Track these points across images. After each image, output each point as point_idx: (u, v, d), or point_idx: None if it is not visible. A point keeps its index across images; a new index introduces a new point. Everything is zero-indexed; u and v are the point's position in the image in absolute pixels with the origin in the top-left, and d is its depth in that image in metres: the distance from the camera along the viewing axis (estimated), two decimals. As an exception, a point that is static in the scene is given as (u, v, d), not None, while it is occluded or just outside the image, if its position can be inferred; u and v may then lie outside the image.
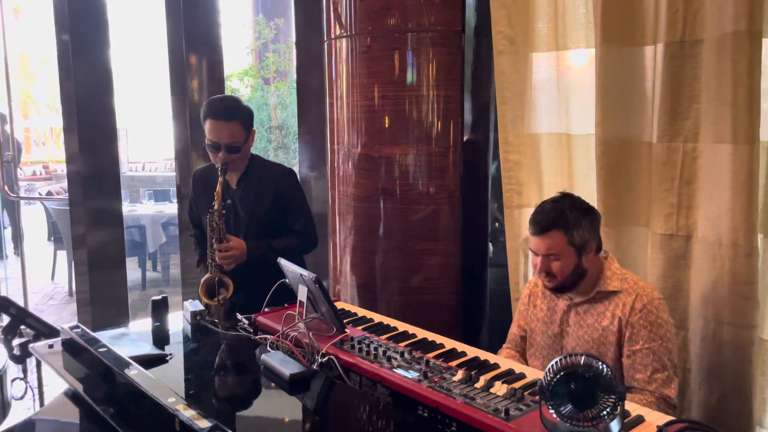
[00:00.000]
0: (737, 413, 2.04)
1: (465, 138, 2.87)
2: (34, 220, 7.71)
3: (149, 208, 6.00)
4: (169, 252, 5.78)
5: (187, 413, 1.18)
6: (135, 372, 1.34)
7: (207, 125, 2.35)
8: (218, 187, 2.31)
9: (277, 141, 7.69)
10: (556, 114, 2.56)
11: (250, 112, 2.44)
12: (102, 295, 3.88)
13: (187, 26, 3.67)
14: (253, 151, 2.53)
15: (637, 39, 2.22)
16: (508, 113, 2.59)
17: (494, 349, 2.11)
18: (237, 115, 2.35)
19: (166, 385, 1.27)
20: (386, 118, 2.77)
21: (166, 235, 5.58)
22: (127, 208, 5.90)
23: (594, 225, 1.84)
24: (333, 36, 2.90)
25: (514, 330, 2.10)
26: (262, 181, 2.45)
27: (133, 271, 5.82)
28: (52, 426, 1.42)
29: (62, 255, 5.84)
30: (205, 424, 1.15)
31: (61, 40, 3.69)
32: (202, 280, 2.38)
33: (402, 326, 1.89)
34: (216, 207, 2.30)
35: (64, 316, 5.01)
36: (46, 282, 6.02)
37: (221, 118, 2.32)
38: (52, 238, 6.23)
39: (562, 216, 1.78)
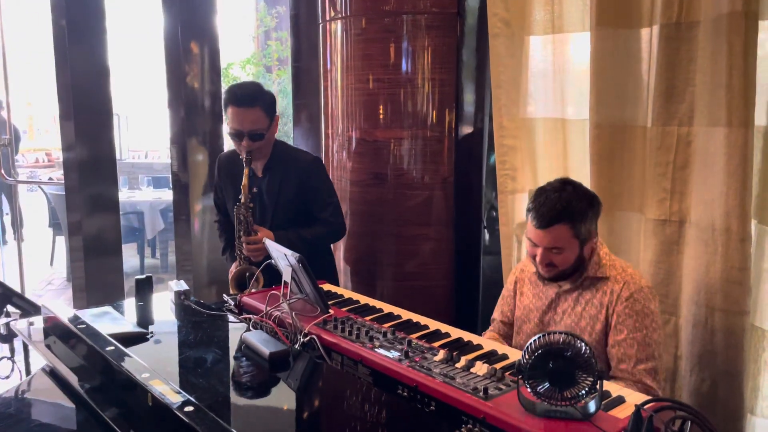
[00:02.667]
0: (728, 400, 2.02)
1: (461, 123, 2.86)
2: (36, 206, 7.74)
3: (148, 194, 6.01)
4: (167, 239, 5.79)
5: (159, 388, 1.18)
6: (111, 348, 1.34)
7: (229, 113, 2.32)
8: (244, 179, 2.29)
9: (280, 129, 7.68)
10: (551, 98, 2.53)
11: (272, 97, 2.41)
12: (98, 281, 3.89)
13: (183, 14, 3.65)
14: (278, 140, 2.51)
15: (632, 21, 2.19)
16: (503, 97, 2.56)
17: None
18: (258, 100, 2.32)
19: (141, 361, 1.27)
20: (381, 101, 2.76)
21: (164, 222, 5.58)
22: (125, 195, 5.91)
23: (597, 214, 1.78)
24: (328, 18, 2.88)
25: (495, 315, 2.07)
26: (288, 169, 2.42)
27: (131, 258, 5.84)
28: (28, 402, 1.42)
29: (61, 241, 5.86)
30: (177, 398, 1.15)
31: (58, 25, 3.68)
32: (234, 272, 2.36)
33: (387, 308, 1.89)
34: (243, 200, 2.28)
35: (62, 302, 5.04)
36: (46, 268, 6.05)
37: (243, 105, 2.28)
38: (52, 224, 6.25)
39: (569, 208, 1.70)
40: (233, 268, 2.40)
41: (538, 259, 1.77)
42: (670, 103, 2.09)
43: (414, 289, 2.82)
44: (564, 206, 1.70)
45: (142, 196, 5.98)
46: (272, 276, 1.93)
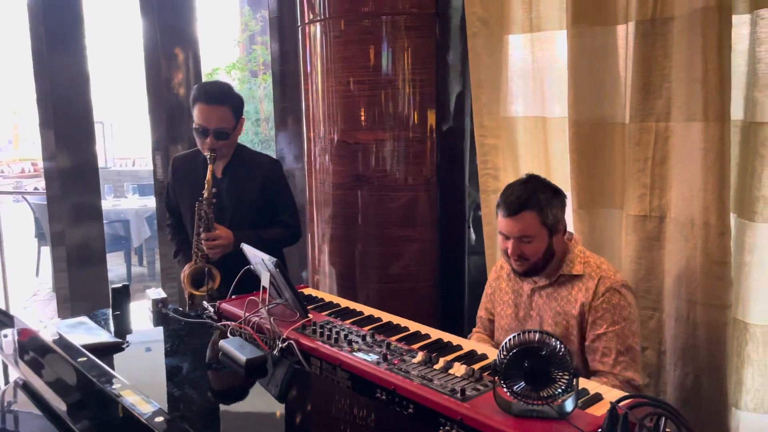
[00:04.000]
0: (712, 394, 2.03)
1: (443, 124, 2.86)
2: (22, 216, 7.68)
3: (133, 202, 5.98)
4: (154, 246, 5.75)
5: (131, 398, 1.16)
6: (83, 359, 1.32)
7: (196, 109, 2.32)
8: (208, 175, 2.29)
9: (264, 133, 7.66)
10: (531, 97, 2.54)
11: (240, 99, 2.43)
12: (82, 291, 3.86)
13: (163, 19, 3.63)
14: (240, 143, 2.51)
15: (608, 18, 2.20)
16: (483, 97, 2.57)
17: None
18: (227, 100, 2.33)
19: (113, 372, 1.26)
20: (361, 103, 2.75)
21: (151, 230, 5.55)
22: (111, 203, 5.88)
23: (563, 205, 1.83)
24: (306, 21, 2.87)
25: (481, 314, 2.09)
26: (249, 170, 2.43)
27: (118, 266, 5.81)
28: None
29: (46, 251, 5.81)
30: (148, 409, 1.13)
31: (36, 33, 3.66)
32: (188, 270, 2.35)
33: (368, 311, 1.88)
34: (206, 195, 2.28)
35: (47, 313, 4.99)
36: (32, 279, 6.00)
37: (211, 102, 2.30)
38: (37, 235, 6.20)
39: (534, 196, 1.76)
40: (187, 268, 2.37)
41: (509, 251, 1.80)
42: (648, 99, 2.10)
43: (399, 291, 2.81)
44: (530, 194, 1.76)
45: (128, 204, 5.95)
46: (251, 281, 1.92)
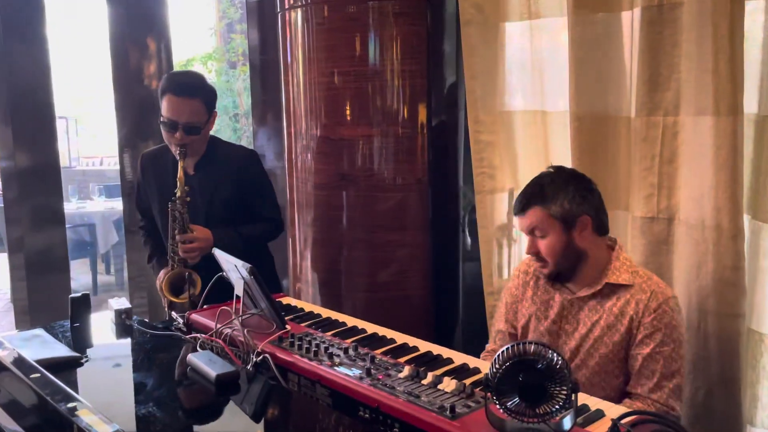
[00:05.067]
0: (726, 410, 2.03)
1: (435, 119, 2.86)
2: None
3: (100, 204, 5.94)
4: (122, 253, 5.71)
5: (87, 418, 1.15)
6: (37, 375, 1.31)
7: (165, 101, 2.30)
8: (180, 172, 2.27)
9: (243, 129, 7.65)
10: (530, 89, 2.54)
11: (213, 91, 2.42)
12: (43, 302, 3.82)
13: (131, 6, 3.61)
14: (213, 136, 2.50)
15: (612, 4, 2.21)
16: (478, 89, 2.57)
17: (469, 349, 2.07)
18: (199, 92, 2.32)
19: (68, 389, 1.24)
20: (346, 96, 2.75)
21: (119, 235, 5.52)
22: (75, 205, 5.84)
23: (582, 194, 1.76)
24: (287, 6, 2.86)
25: (500, 326, 2.00)
26: (223, 165, 2.42)
27: (83, 275, 5.77)
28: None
29: (3, 258, 5.76)
30: (107, 429, 1.12)
31: (-8, 21, 3.62)
32: (165, 276, 2.34)
33: (351, 321, 1.87)
34: (179, 194, 2.26)
35: (3, 325, 4.95)
36: (-11, 288, 5.94)
37: (182, 94, 2.28)
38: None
39: (539, 190, 1.76)
40: (163, 274, 2.36)
41: (526, 249, 1.80)
42: (655, 92, 2.10)
43: (388, 300, 2.80)
44: (534, 189, 1.77)
45: (94, 206, 5.91)
46: (228, 289, 1.91)
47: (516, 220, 1.82)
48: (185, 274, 2.31)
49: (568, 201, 1.75)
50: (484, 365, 1.57)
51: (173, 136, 2.29)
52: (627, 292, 1.77)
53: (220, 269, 1.92)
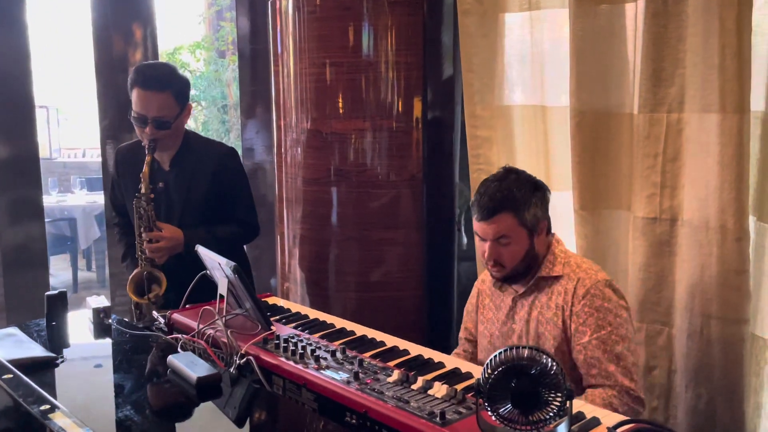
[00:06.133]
0: (728, 419, 2.04)
1: (431, 113, 2.85)
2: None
3: (81, 198, 5.91)
4: (104, 249, 5.70)
5: (61, 422, 1.14)
6: (9, 376, 1.30)
7: (134, 95, 2.30)
8: (145, 167, 2.27)
9: (232, 121, 7.62)
10: (530, 83, 2.54)
11: (185, 82, 2.41)
12: (20, 298, 3.80)
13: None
14: (206, 133, 2.50)
15: (616, -5, 2.21)
16: (475, 83, 2.57)
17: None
18: (169, 84, 2.31)
19: (42, 392, 1.24)
20: (338, 88, 2.73)
21: (100, 230, 5.50)
22: (55, 199, 5.81)
23: (545, 201, 1.83)
24: (277, -7, 2.85)
25: (462, 334, 2.09)
26: (199, 161, 2.42)
27: (63, 271, 5.76)
28: None
29: (-19, 254, 5.74)
30: (80, 433, 1.11)
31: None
32: (130, 275, 2.34)
33: (340, 323, 1.87)
34: (143, 190, 2.26)
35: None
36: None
37: (150, 88, 2.28)
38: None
39: (510, 195, 1.76)
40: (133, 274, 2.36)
41: (486, 254, 1.80)
42: (659, 88, 2.11)
43: (379, 300, 2.79)
44: (504, 194, 1.76)
45: (75, 200, 5.88)
46: (211, 288, 1.90)
47: (476, 225, 1.80)
48: (144, 275, 2.30)
49: (538, 208, 1.79)
50: (476, 370, 1.57)
51: (143, 131, 2.29)
52: (557, 283, 1.81)
53: (196, 271, 1.91)
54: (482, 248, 1.81)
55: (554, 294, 1.81)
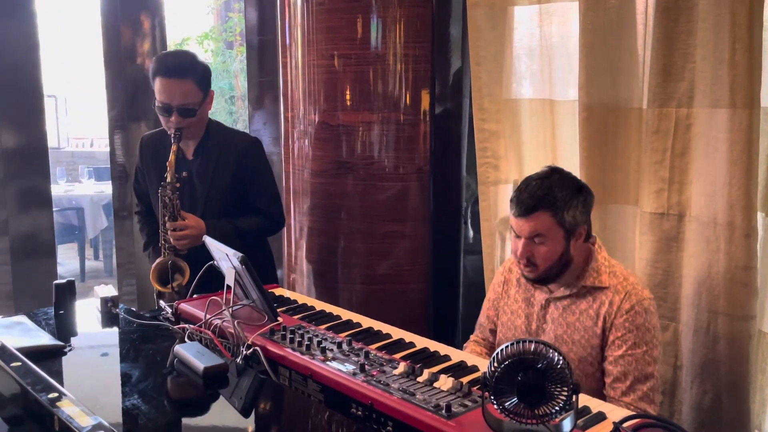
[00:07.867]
0: (733, 415, 2.04)
1: (439, 106, 2.84)
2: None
3: (89, 187, 5.93)
4: (111, 238, 5.73)
5: (69, 410, 1.15)
6: (17, 364, 1.31)
7: (156, 84, 2.30)
8: (171, 156, 2.27)
9: (239, 112, 7.63)
10: (538, 77, 2.53)
11: (206, 68, 2.40)
12: (28, 287, 3.82)
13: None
14: (213, 119, 2.49)
15: (626, -12, 2.19)
16: (483, 76, 2.55)
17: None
18: (191, 72, 2.30)
19: (50, 379, 1.24)
20: (347, 80, 2.73)
21: (108, 220, 5.52)
22: (63, 188, 5.83)
23: (587, 206, 1.78)
24: (285, -15, 2.84)
25: (482, 320, 2.06)
26: (223, 150, 2.41)
27: (71, 260, 5.78)
28: None
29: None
30: (88, 422, 1.12)
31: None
32: (154, 264, 2.34)
33: (346, 315, 1.87)
34: (169, 179, 2.26)
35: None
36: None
37: (173, 76, 2.27)
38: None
39: (550, 194, 1.72)
40: (156, 262, 2.37)
41: (519, 252, 1.77)
42: (668, 82, 2.10)
43: (386, 293, 2.80)
44: (545, 192, 1.72)
45: (83, 189, 5.90)
46: (213, 276, 1.91)
47: (513, 221, 1.77)
48: (168, 264, 2.30)
49: (579, 211, 1.75)
50: (482, 363, 1.57)
51: (169, 120, 2.29)
52: (602, 293, 1.78)
53: (206, 261, 1.91)
54: (516, 245, 1.78)
55: (597, 303, 1.78)
